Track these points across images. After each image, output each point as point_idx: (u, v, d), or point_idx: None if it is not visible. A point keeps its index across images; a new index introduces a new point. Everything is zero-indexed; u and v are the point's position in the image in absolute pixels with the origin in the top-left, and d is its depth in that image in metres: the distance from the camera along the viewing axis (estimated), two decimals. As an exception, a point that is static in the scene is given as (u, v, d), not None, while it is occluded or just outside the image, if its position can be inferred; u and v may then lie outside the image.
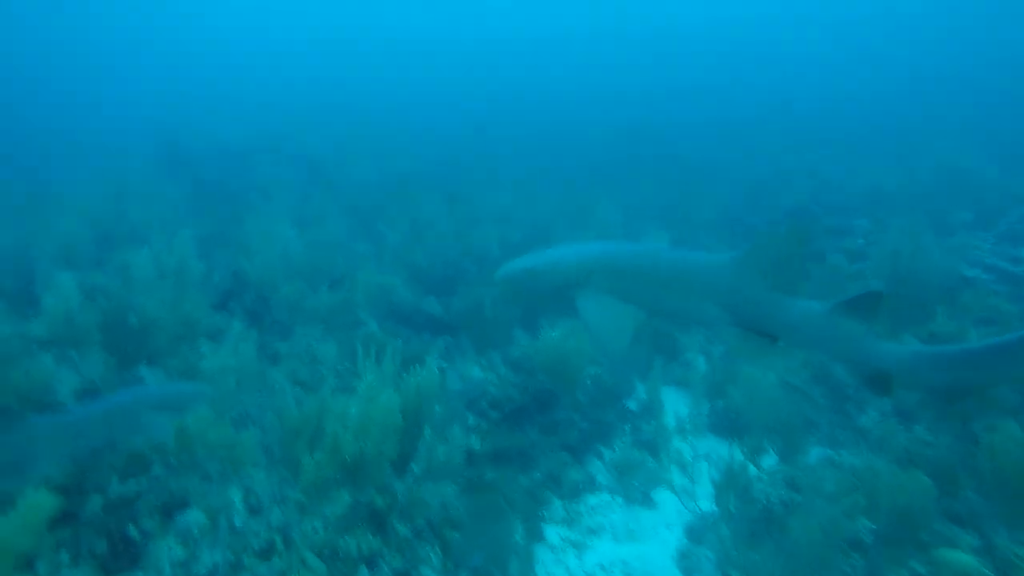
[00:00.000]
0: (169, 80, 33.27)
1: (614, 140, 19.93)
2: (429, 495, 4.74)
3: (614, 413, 6.74)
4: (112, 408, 3.80)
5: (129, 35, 50.21)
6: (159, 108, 23.01)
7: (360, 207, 11.86)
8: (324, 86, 31.59)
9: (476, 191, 13.40)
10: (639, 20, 53.00)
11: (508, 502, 5.05)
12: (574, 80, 34.46)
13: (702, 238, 10.81)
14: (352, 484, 4.17)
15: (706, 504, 5.74)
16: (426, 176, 14.68)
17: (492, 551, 4.26)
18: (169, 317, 5.86)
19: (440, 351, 7.17)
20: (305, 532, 3.98)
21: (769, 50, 44.12)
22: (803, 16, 53.06)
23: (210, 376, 5.40)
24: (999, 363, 3.56)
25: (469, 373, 6.69)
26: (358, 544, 3.88)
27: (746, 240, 11.39)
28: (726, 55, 42.14)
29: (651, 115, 23.54)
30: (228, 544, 4.01)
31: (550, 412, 6.29)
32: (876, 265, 8.21)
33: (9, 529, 2.78)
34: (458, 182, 14.20)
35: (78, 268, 7.71)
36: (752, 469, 4.87)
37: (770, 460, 5.68)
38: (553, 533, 5.40)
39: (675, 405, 7.01)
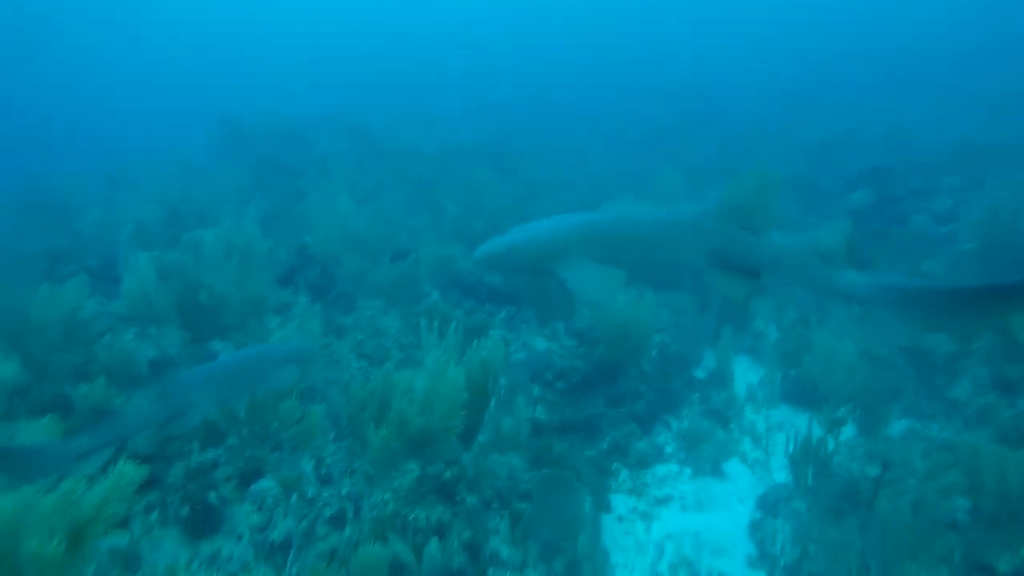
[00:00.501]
0: (226, 62, 34.08)
1: (671, 105, 19.28)
2: (496, 466, 4.73)
3: (681, 382, 6.56)
4: (249, 360, 4.17)
5: (185, 19, 51.53)
6: (219, 90, 23.64)
7: (418, 179, 11.89)
8: (376, 63, 31.70)
9: (533, 161, 13.24)
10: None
11: (575, 473, 4.99)
12: (629, 47, 33.41)
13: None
14: (420, 456, 4.18)
15: (781, 476, 5.54)
16: (482, 147, 14.59)
17: (560, 522, 4.22)
18: (237, 294, 6.01)
19: (503, 322, 7.12)
20: (375, 503, 4.03)
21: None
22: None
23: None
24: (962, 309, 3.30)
25: (532, 344, 6.62)
26: (428, 516, 3.90)
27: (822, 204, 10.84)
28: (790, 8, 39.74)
29: (710, 78, 22.62)
30: (301, 512, 4.11)
31: (615, 382, 6.17)
32: (968, 226, 7.60)
33: (103, 494, 2.93)
34: (515, 153, 14.05)
35: (153, 247, 8.02)
36: (831, 442, 4.62)
37: (849, 432, 5.40)
38: (620, 503, 5.33)
39: (745, 374, 6.77)
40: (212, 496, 4.24)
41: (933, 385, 5.92)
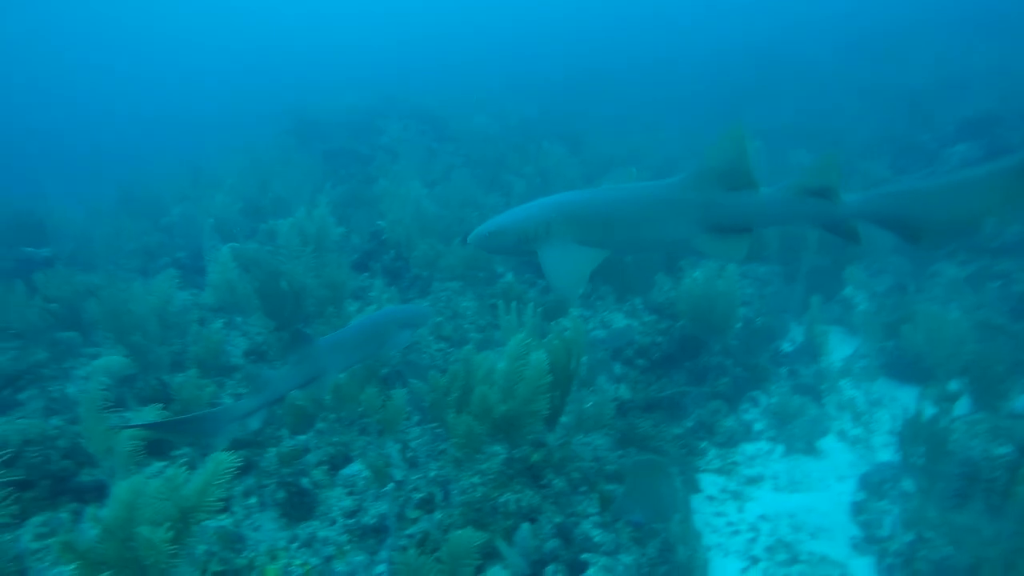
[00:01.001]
0: (289, 54, 34.80)
1: (741, 65, 18.33)
2: (581, 448, 4.64)
3: (768, 357, 6.27)
4: (372, 326, 4.38)
5: (246, 19, 52.95)
6: (284, 82, 24.17)
7: (485, 159, 11.81)
8: (435, 44, 31.65)
9: (603, 134, 12.91)
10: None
11: (663, 453, 4.84)
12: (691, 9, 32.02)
13: (858, 165, 9.57)
14: (505, 440, 4.14)
15: (884, 455, 5.21)
16: (547, 123, 14.34)
17: (651, 504, 4.09)
18: (315, 281, 6.12)
19: (579, 298, 6.98)
20: (464, 487, 4.02)
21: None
22: None
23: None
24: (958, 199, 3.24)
25: (610, 321, 6.46)
26: (518, 500, 3.85)
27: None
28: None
29: (781, 33, 21.36)
30: (391, 496, 4.15)
31: (699, 358, 5.95)
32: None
33: (204, 480, 3.05)
34: (580, 127, 13.73)
35: (234, 239, 8.30)
36: (944, 418, 4.26)
37: (962, 408, 4.99)
38: (709, 483, 5.16)
39: (837, 347, 6.38)
40: (305, 481, 4.35)
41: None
